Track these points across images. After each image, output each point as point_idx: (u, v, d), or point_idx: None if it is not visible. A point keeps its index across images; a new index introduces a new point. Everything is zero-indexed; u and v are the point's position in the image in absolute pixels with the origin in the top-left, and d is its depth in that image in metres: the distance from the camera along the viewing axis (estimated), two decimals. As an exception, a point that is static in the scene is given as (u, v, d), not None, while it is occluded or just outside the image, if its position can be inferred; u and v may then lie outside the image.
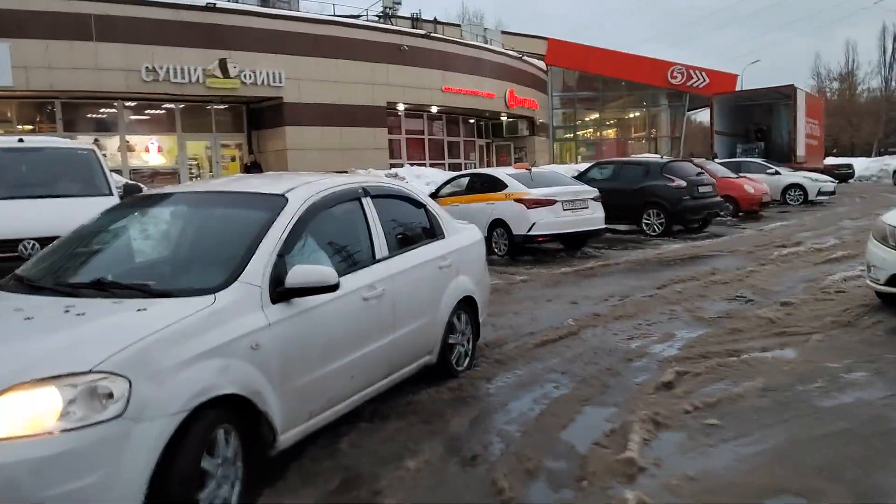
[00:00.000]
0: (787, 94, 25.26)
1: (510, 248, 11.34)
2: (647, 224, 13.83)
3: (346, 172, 16.25)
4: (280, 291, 3.21)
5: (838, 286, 7.48)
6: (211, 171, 20.05)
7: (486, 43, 27.66)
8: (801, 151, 24.70)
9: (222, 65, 18.05)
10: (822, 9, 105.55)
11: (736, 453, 3.46)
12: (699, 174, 14.29)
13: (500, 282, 9.06)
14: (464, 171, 14.33)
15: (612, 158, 19.34)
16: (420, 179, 15.95)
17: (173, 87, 17.43)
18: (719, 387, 4.46)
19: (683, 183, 13.57)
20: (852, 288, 7.38)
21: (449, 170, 25.45)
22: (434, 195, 13.10)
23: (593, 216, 11.55)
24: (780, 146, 26.11)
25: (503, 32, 32.35)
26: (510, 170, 12.24)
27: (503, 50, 27.95)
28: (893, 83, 70.69)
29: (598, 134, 38.71)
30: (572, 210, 11.30)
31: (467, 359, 5.09)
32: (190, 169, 19.80)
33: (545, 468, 3.38)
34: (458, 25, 30.07)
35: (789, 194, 20.57)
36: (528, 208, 11.04)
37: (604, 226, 11.80)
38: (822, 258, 9.74)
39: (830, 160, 32.32)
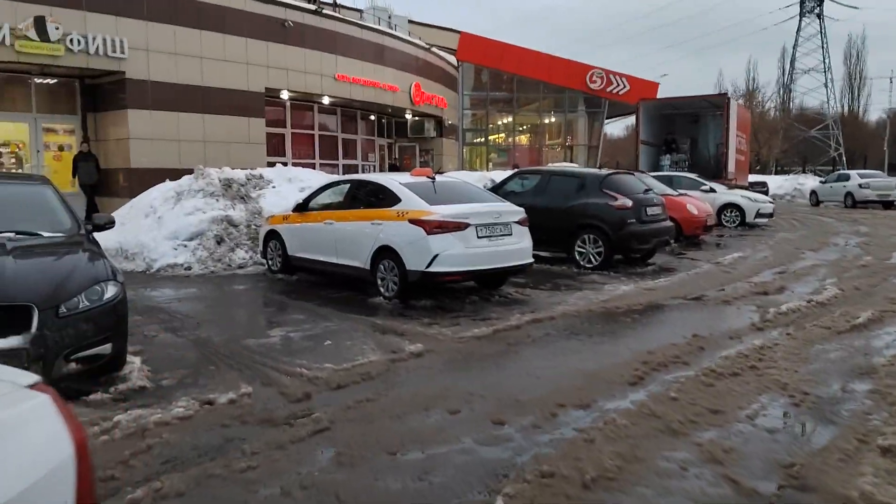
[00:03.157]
0: (718, 105, 23.16)
1: (402, 289, 7.99)
2: (580, 253, 10.80)
3: (191, 172, 12.44)
4: None
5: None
6: (30, 162, 15.61)
7: (391, 29, 24.21)
8: (731, 167, 22.64)
9: (39, 24, 13.77)
10: (706, 33, 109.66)
11: None
12: (647, 191, 11.39)
13: (379, 357, 5.69)
14: (345, 176, 10.77)
15: (537, 167, 16.28)
16: (292, 184, 12.33)
17: (-36, 47, 13.05)
18: None
19: (629, 202, 10.62)
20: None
21: (344, 172, 21.90)
22: (303, 206, 9.63)
23: (518, 246, 8.36)
24: (707, 160, 24.04)
25: (410, 22, 28.98)
26: (406, 177, 8.88)
27: (409, 38, 24.60)
28: (790, 103, 72.67)
29: (510, 139, 35.86)
30: (490, 238, 8.07)
31: None
32: (-1, 157, 15.32)
33: None
34: (360, 11, 26.52)
35: (725, 215, 18.26)
36: (429, 233, 7.73)
37: (531, 259, 8.64)
38: (844, 324, 6.83)
39: (751, 178, 30.85)
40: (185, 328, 6.85)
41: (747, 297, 8.39)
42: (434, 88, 26.02)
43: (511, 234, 8.30)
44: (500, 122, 36.23)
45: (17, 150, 15.69)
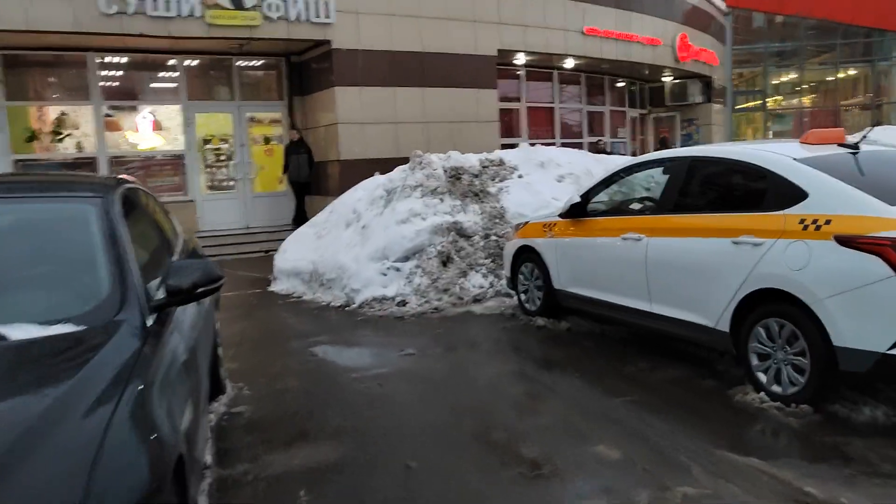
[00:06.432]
0: None
1: (814, 382, 3.68)
2: None
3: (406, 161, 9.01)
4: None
5: None
6: (231, 159, 13.47)
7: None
8: None
9: (233, -13, 11.32)
10: None
11: None
12: None
13: None
14: (662, 153, 5.93)
15: None
16: (546, 171, 8.42)
17: (152, 24, 10.85)
18: None
19: None
20: None
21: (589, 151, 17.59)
22: (579, 208, 5.64)
23: None
24: None
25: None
26: (796, 148, 4.46)
27: (671, -22, 19.55)
28: None
29: (793, 101, 28.62)
30: None
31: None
32: (204, 154, 13.29)
33: None
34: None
35: None
36: (902, 271, 3.34)
37: None
38: None
39: None
40: (382, 476, 3.19)
41: None
42: (702, 41, 20.68)
43: None
44: (777, 81, 29.29)
45: (219, 144, 13.60)
